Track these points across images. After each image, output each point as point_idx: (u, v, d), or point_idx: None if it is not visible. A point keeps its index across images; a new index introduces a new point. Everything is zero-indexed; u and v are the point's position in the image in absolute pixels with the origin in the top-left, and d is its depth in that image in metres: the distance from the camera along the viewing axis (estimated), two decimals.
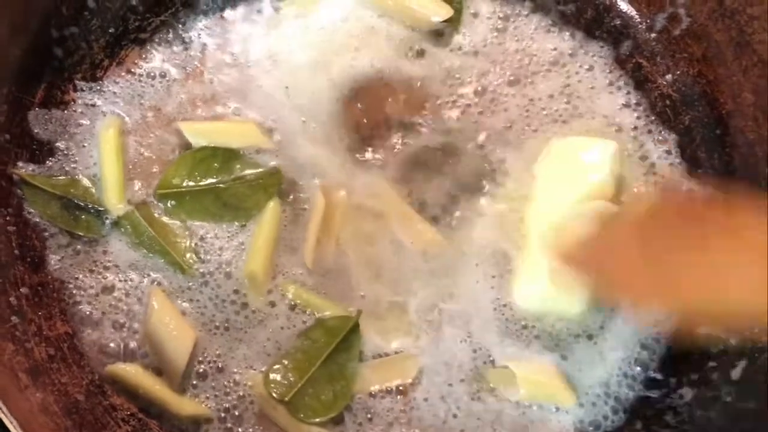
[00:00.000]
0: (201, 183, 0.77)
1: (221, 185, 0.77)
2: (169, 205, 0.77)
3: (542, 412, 0.73)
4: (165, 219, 0.77)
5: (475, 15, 0.85)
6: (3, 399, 0.62)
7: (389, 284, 0.76)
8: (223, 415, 0.72)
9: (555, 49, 0.84)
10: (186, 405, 0.72)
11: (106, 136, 0.79)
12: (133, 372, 0.72)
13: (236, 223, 0.77)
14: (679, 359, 0.75)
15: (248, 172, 0.77)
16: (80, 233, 0.76)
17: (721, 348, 0.73)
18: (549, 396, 0.73)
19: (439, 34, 0.84)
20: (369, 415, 0.72)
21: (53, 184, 0.77)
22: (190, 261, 0.75)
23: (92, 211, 0.77)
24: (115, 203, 0.76)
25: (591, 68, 0.83)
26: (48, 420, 0.66)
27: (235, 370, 0.73)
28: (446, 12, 0.83)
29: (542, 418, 0.73)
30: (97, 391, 0.72)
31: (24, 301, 0.73)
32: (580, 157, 0.76)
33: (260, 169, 0.78)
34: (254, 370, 0.73)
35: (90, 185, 0.77)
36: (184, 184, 0.77)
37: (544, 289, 0.73)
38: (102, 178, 0.77)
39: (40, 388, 0.69)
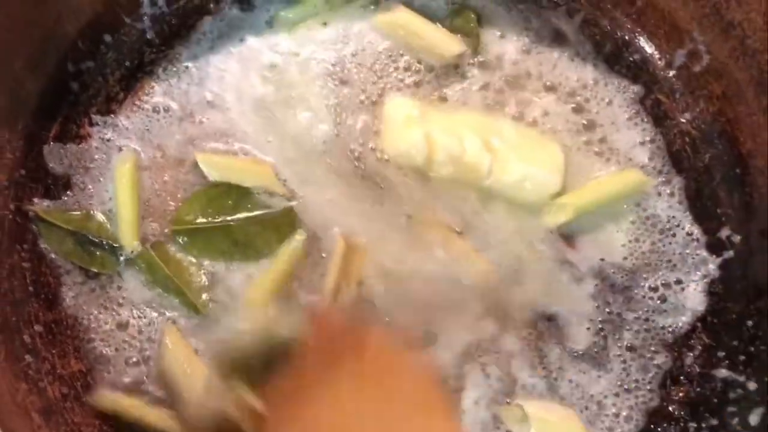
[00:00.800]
0: (214, 220, 0.77)
1: (232, 223, 0.77)
2: (182, 241, 0.77)
3: None
4: (179, 255, 0.77)
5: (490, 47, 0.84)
6: None
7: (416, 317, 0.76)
8: None
9: (577, 80, 0.83)
10: None
11: (122, 171, 0.78)
12: (140, 408, 0.72)
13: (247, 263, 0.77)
14: (699, 404, 0.74)
15: (261, 212, 0.77)
16: (95, 269, 0.76)
17: (740, 393, 0.72)
18: None
19: (456, 66, 0.83)
20: None
21: (68, 219, 0.76)
22: (205, 302, 0.75)
23: (106, 247, 0.76)
24: (130, 240, 0.76)
25: (610, 103, 0.83)
26: None
27: None
28: (458, 47, 0.82)
29: None
30: (111, 431, 0.72)
31: (38, 339, 0.73)
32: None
33: (274, 209, 0.77)
34: None
35: (105, 221, 0.77)
36: (198, 220, 0.77)
37: None
38: (117, 214, 0.77)
39: (53, 428, 0.69)
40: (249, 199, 0.77)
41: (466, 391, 0.74)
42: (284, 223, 0.77)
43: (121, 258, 0.76)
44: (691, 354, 0.76)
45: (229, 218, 0.77)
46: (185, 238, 0.77)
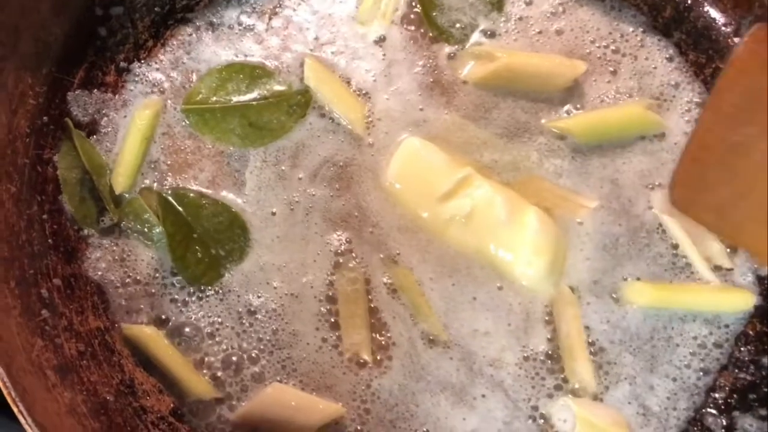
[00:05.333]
0: (228, 100, 0.75)
1: (247, 104, 0.75)
2: (193, 121, 0.76)
3: None
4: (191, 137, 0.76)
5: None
6: (30, 400, 0.60)
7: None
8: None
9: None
10: (199, 385, 0.69)
11: (140, 115, 0.75)
12: (153, 336, 0.70)
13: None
14: (748, 392, 0.70)
15: (278, 90, 0.76)
16: (75, 216, 0.72)
17: None
18: None
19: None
20: None
21: (89, 155, 0.73)
22: None
23: (99, 202, 0.73)
24: (123, 185, 0.73)
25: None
26: (75, 422, 0.64)
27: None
28: (582, 65, 0.77)
29: None
30: (128, 391, 0.69)
31: (56, 294, 0.70)
32: None
33: (289, 89, 0.76)
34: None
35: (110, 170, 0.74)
36: (211, 99, 0.75)
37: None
38: (119, 158, 0.74)
39: (69, 387, 0.66)
40: (264, 79, 0.76)
41: None
42: (299, 102, 0.76)
43: (103, 222, 0.73)
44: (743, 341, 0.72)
45: (244, 99, 0.75)
46: (198, 118, 0.75)
